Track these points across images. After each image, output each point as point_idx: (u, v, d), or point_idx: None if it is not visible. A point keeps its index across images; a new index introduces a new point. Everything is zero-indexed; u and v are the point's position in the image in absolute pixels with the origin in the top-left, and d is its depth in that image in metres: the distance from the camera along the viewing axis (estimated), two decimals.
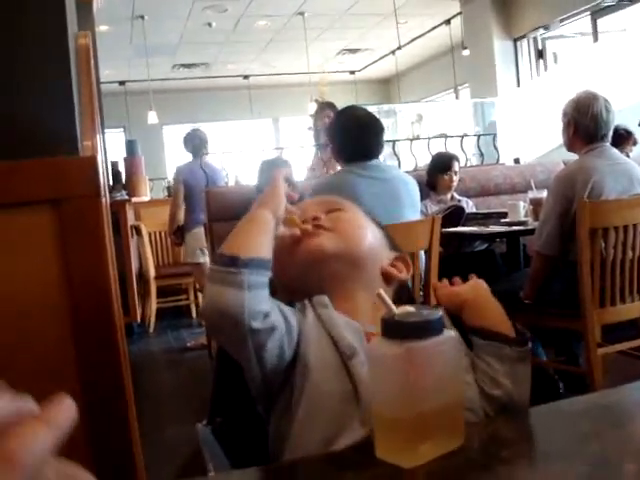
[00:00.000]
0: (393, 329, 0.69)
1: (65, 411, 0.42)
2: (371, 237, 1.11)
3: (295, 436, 0.91)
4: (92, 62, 1.50)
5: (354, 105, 3.34)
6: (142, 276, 6.06)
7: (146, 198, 6.89)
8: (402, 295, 1.11)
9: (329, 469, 0.75)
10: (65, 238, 1.22)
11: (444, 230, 3.09)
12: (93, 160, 1.22)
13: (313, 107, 5.19)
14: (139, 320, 5.76)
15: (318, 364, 0.91)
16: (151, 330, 5.89)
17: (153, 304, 5.88)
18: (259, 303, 0.88)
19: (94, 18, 6.45)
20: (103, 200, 1.26)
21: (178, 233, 5.21)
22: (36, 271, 1.26)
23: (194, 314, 6.24)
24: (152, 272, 5.89)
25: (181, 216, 5.20)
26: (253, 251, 0.90)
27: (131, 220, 6.01)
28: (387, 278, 1.10)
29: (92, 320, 1.26)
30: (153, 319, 5.90)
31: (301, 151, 6.21)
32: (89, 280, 1.25)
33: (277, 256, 0.97)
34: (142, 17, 8.78)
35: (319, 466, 0.77)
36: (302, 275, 1.05)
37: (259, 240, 0.93)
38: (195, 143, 5.25)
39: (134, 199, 6.28)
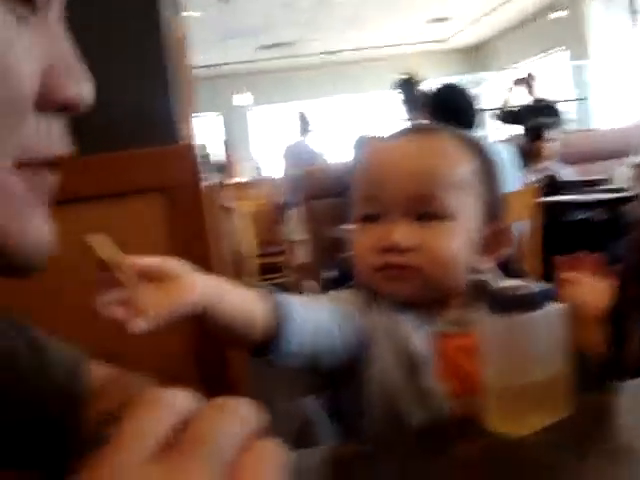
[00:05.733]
0: (500, 302, 0.70)
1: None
2: (470, 252, 0.92)
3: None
4: (186, 50, 1.55)
5: (449, 82, 3.38)
6: (237, 256, 6.20)
7: (240, 179, 7.02)
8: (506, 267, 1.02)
9: (439, 440, 0.76)
10: (172, 223, 1.28)
11: (542, 199, 3.04)
12: (192, 149, 1.28)
13: (399, 79, 5.15)
14: None
15: (387, 365, 0.89)
16: None
17: (252, 282, 6.01)
18: None
19: (182, 4, 6.58)
20: (204, 184, 1.31)
21: (279, 211, 5.32)
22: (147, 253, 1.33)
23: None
24: (249, 252, 6.02)
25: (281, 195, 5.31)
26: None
27: (227, 201, 6.14)
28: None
29: None
30: None
31: (392, 126, 6.19)
32: (194, 262, 1.31)
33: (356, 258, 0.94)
34: (226, 1, 8.88)
35: (429, 438, 0.79)
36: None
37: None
38: (300, 123, 5.35)
39: (227, 181, 6.41)
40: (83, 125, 1.35)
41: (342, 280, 1.21)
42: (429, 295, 0.91)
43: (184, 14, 6.18)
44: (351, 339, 0.88)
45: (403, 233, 0.88)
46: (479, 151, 0.96)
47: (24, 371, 0.74)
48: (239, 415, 0.37)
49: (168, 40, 1.38)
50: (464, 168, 0.92)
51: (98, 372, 0.83)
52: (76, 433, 0.74)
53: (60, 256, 1.33)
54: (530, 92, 5.99)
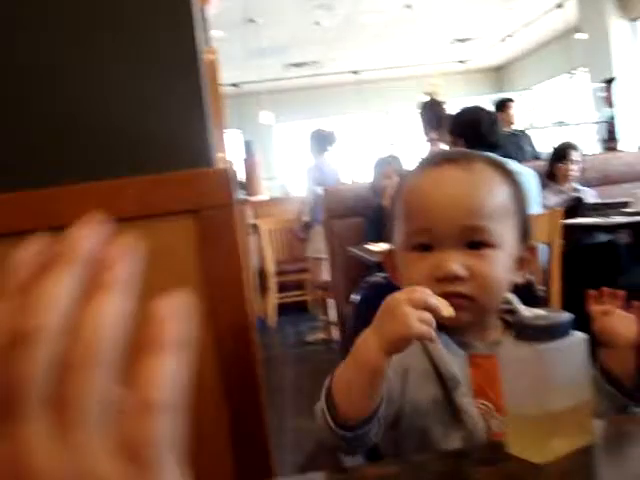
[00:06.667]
0: (524, 331, 0.72)
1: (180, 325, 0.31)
2: (510, 273, 0.97)
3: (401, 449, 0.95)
4: (218, 75, 1.59)
5: (472, 104, 3.42)
6: (261, 272, 6.25)
7: (263, 197, 7.07)
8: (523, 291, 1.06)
9: (463, 464, 0.78)
10: (203, 244, 1.31)
11: (564, 222, 3.04)
12: (227, 171, 1.31)
13: (424, 99, 5.21)
14: (259, 315, 5.95)
15: (422, 394, 0.93)
16: (271, 325, 6.06)
17: (273, 299, 6.05)
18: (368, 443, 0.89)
19: (209, 24, 6.66)
20: (236, 207, 1.34)
21: (304, 229, 5.35)
22: (177, 276, 1.36)
23: (312, 309, 6.36)
24: (271, 268, 6.06)
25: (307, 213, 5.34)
26: (365, 414, 0.84)
27: (250, 218, 6.20)
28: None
29: (229, 316, 1.35)
30: (273, 314, 6.07)
31: (414, 145, 6.23)
32: (225, 282, 1.34)
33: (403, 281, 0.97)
34: (253, 20, 9.00)
35: (453, 460, 0.81)
36: None
37: (368, 400, 0.84)
38: (319, 142, 5.37)
39: (251, 198, 6.47)
40: (120, 148, 1.39)
41: (368, 303, 1.24)
42: (477, 321, 0.95)
43: (212, 33, 6.27)
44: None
45: (457, 262, 0.92)
46: (510, 175, 1.01)
47: None
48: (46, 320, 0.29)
49: (201, 61, 1.42)
50: (505, 196, 0.97)
51: None
52: None
53: None
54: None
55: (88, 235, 0.31)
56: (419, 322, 0.77)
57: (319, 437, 0.88)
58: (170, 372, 0.30)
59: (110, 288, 0.30)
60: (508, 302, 0.91)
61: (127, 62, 1.35)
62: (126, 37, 1.35)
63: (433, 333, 0.79)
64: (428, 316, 0.78)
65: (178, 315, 0.31)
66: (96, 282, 0.30)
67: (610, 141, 6.81)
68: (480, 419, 0.90)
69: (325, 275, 4.83)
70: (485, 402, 0.91)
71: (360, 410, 0.83)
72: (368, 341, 0.81)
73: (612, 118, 7.01)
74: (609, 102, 7.13)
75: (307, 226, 5.33)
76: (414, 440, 0.93)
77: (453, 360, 0.94)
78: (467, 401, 0.91)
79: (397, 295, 0.81)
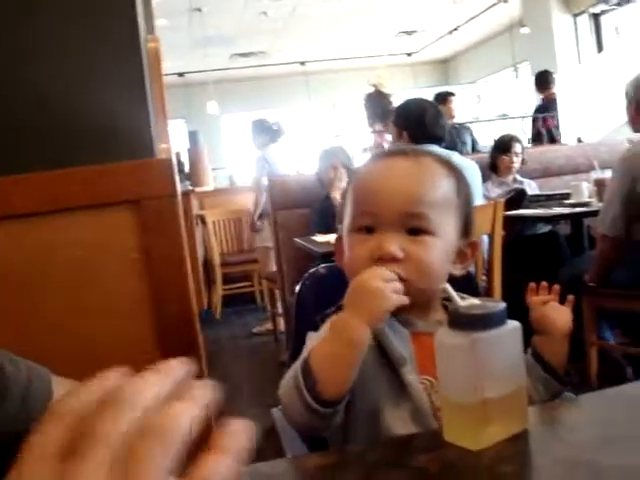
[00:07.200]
0: (459, 321, 0.73)
1: (243, 440, 0.38)
2: (447, 263, 1.02)
3: (351, 433, 0.98)
4: (162, 65, 1.57)
5: (418, 98, 3.45)
6: (208, 264, 6.20)
7: (209, 188, 7.01)
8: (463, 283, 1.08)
9: (401, 451, 0.80)
10: (145, 235, 1.30)
11: (506, 213, 3.09)
12: (169, 162, 1.30)
13: (369, 91, 5.22)
14: (206, 307, 5.91)
15: (370, 374, 0.95)
16: (218, 316, 6.03)
17: (219, 291, 6.02)
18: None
19: (153, 12, 6.55)
20: (179, 198, 1.33)
21: (260, 219, 5.31)
22: (120, 266, 1.34)
23: (259, 300, 6.35)
24: (217, 260, 6.03)
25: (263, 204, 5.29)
26: (346, 388, 0.88)
27: (195, 209, 6.15)
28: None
29: (171, 308, 1.34)
30: (219, 306, 6.03)
31: (361, 136, 6.25)
32: (168, 273, 1.33)
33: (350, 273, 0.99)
34: (199, 9, 8.89)
35: (392, 449, 0.82)
36: None
37: (353, 373, 0.88)
38: (263, 132, 5.33)
39: (197, 189, 6.41)
40: (63, 138, 1.37)
41: (310, 293, 1.25)
42: (415, 303, 0.98)
43: (157, 22, 6.17)
44: None
45: (396, 244, 0.96)
46: (456, 172, 1.07)
47: None
48: (135, 405, 0.36)
49: (144, 50, 1.40)
50: (446, 189, 1.03)
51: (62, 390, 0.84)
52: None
53: (42, 261, 1.34)
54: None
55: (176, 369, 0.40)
56: (394, 293, 0.88)
57: (291, 420, 0.92)
58: (225, 472, 0.36)
59: (190, 401, 0.38)
60: (444, 291, 0.95)
61: (66, 52, 1.33)
62: (64, 23, 1.33)
63: (406, 299, 0.89)
64: (399, 286, 0.89)
65: (245, 435, 0.38)
66: (179, 395, 0.38)
67: (548, 135, 6.94)
68: (424, 394, 0.95)
69: (274, 265, 4.82)
70: (428, 377, 0.95)
71: (344, 383, 0.87)
72: (348, 319, 0.88)
73: (543, 111, 7.12)
74: (543, 96, 7.25)
75: (262, 217, 5.31)
76: (365, 423, 0.96)
77: (396, 338, 0.98)
78: (413, 377, 0.95)
79: (366, 274, 0.90)
